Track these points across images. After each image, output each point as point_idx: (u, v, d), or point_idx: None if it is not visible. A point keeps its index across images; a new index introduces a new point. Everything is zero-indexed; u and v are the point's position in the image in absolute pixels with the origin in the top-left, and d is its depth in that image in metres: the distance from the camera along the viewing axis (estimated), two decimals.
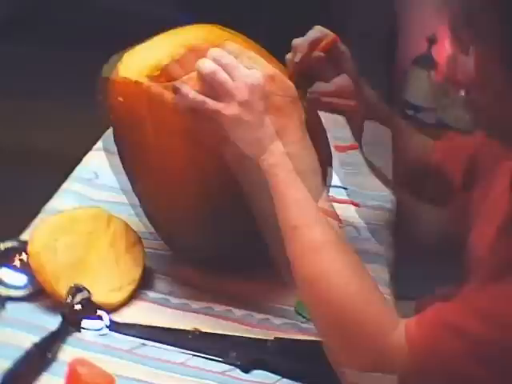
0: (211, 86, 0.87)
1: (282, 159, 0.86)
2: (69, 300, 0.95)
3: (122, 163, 1.03)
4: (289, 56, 1.03)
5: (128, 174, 1.03)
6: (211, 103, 0.87)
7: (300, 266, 0.85)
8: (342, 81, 1.03)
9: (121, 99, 0.94)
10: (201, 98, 0.88)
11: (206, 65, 0.88)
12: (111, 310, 0.99)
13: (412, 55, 2.79)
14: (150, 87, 0.92)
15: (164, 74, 0.92)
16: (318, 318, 0.86)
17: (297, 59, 1.02)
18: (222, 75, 0.87)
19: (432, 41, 2.72)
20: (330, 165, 1.09)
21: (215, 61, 0.88)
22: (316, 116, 1.06)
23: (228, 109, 0.86)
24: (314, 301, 0.85)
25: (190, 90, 0.88)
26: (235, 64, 0.88)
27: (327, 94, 1.01)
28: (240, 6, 2.77)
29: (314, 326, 0.88)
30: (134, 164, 1.01)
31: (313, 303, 0.86)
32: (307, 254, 0.84)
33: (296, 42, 1.03)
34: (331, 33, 1.05)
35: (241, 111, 0.86)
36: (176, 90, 0.89)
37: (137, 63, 0.96)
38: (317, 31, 1.04)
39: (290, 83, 0.90)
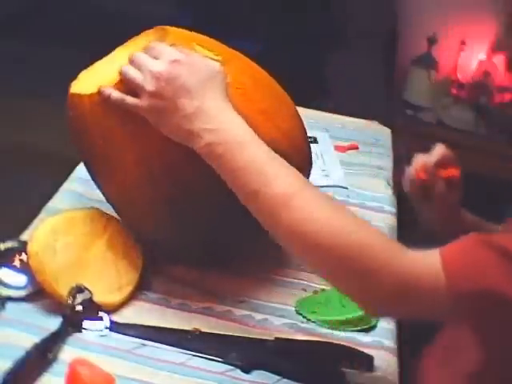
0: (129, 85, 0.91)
1: (210, 137, 0.85)
2: (70, 301, 0.95)
3: (87, 169, 1.06)
4: (411, 172, 1.07)
5: (92, 178, 1.06)
6: (129, 100, 0.90)
7: (277, 225, 0.83)
8: (441, 150, 1.06)
9: (70, 113, 0.99)
10: (120, 96, 0.91)
11: (121, 67, 0.92)
12: (111, 310, 0.99)
13: (412, 55, 2.79)
14: (90, 96, 0.95)
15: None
16: (322, 267, 0.84)
17: (419, 181, 1.05)
18: (132, 72, 0.90)
19: (432, 41, 2.72)
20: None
21: (129, 61, 0.92)
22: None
23: (142, 102, 0.89)
24: (309, 253, 0.83)
25: (112, 90, 0.92)
26: (142, 59, 0.90)
27: (431, 165, 1.04)
28: (239, 6, 2.77)
29: (323, 278, 0.88)
30: (93, 170, 1.04)
31: (309, 256, 0.83)
32: (279, 212, 0.82)
33: (420, 160, 1.05)
34: (451, 153, 1.06)
35: (153, 101, 0.88)
36: (101, 93, 0.93)
37: (89, 80, 1.00)
38: (440, 151, 1.06)
39: (203, 60, 0.91)
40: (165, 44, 0.92)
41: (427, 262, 0.79)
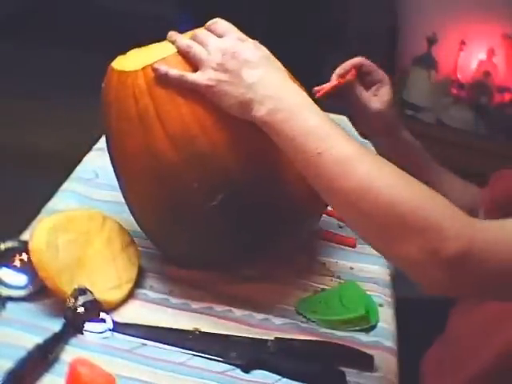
0: (189, 61, 0.93)
1: (272, 103, 0.86)
2: (72, 303, 0.94)
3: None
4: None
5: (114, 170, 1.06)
6: (189, 75, 0.92)
7: (338, 188, 0.81)
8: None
9: (103, 85, 1.00)
10: (178, 72, 0.93)
11: (183, 41, 0.95)
12: (111, 308, 0.99)
13: (412, 55, 2.80)
14: (135, 73, 0.95)
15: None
16: (380, 232, 0.80)
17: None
18: (197, 47, 0.93)
19: (432, 41, 2.73)
20: None
21: (192, 37, 0.95)
22: None
23: (203, 76, 0.91)
24: (368, 216, 0.79)
25: (168, 68, 0.93)
26: (206, 35, 0.94)
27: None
28: (239, 6, 2.78)
29: (365, 241, 0.86)
30: (111, 155, 1.03)
31: (368, 219, 0.80)
32: (342, 171, 0.81)
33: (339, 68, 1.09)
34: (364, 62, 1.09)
35: (216, 74, 0.90)
36: (155, 71, 0.93)
37: (129, 62, 0.99)
38: (349, 63, 1.09)
39: (263, 48, 0.94)
40: (229, 24, 0.96)
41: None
